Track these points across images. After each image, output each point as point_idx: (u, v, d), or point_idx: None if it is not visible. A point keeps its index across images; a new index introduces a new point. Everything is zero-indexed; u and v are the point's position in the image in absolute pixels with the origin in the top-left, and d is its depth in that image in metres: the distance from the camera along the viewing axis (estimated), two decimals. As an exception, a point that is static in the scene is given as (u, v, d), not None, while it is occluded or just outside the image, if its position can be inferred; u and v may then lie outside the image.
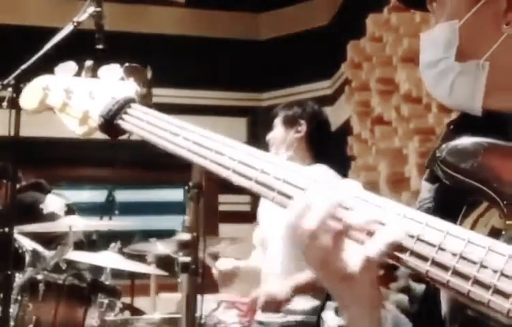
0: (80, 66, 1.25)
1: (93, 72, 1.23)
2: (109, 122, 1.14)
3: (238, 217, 5.42)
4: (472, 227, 0.90)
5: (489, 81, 0.98)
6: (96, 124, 1.16)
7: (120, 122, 1.13)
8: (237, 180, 0.96)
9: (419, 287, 1.06)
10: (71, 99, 1.20)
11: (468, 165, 0.88)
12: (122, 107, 1.13)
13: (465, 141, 0.91)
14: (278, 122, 3.21)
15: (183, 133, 1.05)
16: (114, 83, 1.20)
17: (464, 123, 1.00)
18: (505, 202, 0.85)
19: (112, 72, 1.21)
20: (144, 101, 1.18)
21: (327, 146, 3.25)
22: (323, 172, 2.83)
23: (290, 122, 3.17)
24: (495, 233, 0.86)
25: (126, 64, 1.21)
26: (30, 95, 1.25)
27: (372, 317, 0.84)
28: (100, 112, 1.15)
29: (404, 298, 1.08)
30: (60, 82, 1.23)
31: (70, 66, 1.25)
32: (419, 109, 3.77)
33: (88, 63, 1.24)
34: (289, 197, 0.87)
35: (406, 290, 1.08)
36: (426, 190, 1.05)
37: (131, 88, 1.18)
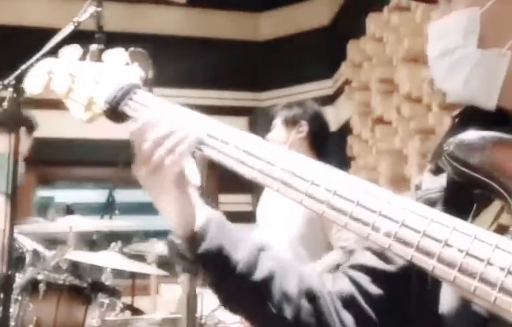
0: (85, 50, 1.23)
1: (98, 56, 1.21)
2: (114, 109, 1.13)
3: (239, 217, 5.40)
4: (480, 223, 0.90)
5: (508, 74, 0.94)
6: (101, 110, 1.15)
7: (125, 108, 1.12)
8: (239, 169, 0.98)
9: (400, 261, 1.01)
10: (76, 84, 1.19)
11: (476, 160, 0.87)
12: (127, 93, 1.12)
13: (473, 135, 0.89)
14: (278, 122, 3.20)
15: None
16: (118, 68, 1.18)
17: (470, 115, 0.97)
18: None
19: (117, 57, 1.20)
20: (148, 87, 1.17)
21: (327, 146, 3.26)
22: None
23: (291, 123, 3.17)
24: (502, 229, 0.85)
25: (132, 48, 1.20)
26: (35, 79, 1.23)
27: (177, 206, 1.01)
28: (105, 98, 1.14)
29: (372, 259, 1.06)
30: (65, 66, 1.21)
31: (75, 49, 1.23)
32: (419, 109, 3.77)
33: (93, 46, 1.23)
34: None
35: (379, 254, 1.05)
36: (430, 181, 1.04)
37: (136, 73, 1.17)
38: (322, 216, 0.89)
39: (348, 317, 1.04)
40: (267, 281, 1.01)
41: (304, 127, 3.16)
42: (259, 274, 1.00)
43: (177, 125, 1.00)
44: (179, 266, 1.05)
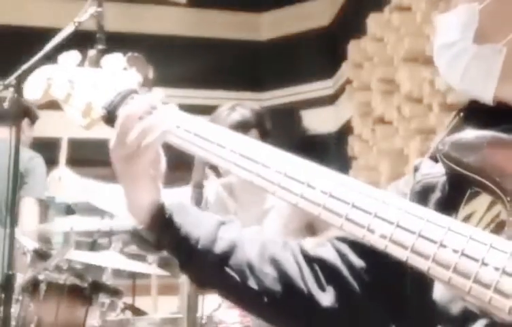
0: (83, 56, 1.24)
1: (96, 62, 1.22)
2: (112, 114, 1.13)
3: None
4: (475, 213, 0.90)
5: (505, 69, 0.95)
6: (99, 115, 1.16)
7: None
8: (236, 172, 0.99)
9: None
10: (74, 90, 1.20)
11: (471, 159, 0.88)
12: (125, 98, 1.13)
13: (468, 134, 0.90)
14: (225, 126, 3.01)
15: (184, 125, 1.05)
16: (116, 73, 1.19)
17: (474, 112, 0.98)
18: (508, 199, 0.84)
19: (115, 62, 1.20)
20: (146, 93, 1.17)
21: None
22: None
23: (241, 130, 3.03)
24: (499, 225, 0.86)
25: (129, 53, 1.21)
26: (34, 85, 1.24)
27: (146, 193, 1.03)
28: (103, 103, 1.14)
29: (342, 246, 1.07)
30: (64, 72, 1.22)
31: (73, 55, 1.24)
32: (420, 109, 3.78)
33: (92, 52, 1.24)
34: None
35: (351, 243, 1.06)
36: (428, 166, 1.04)
37: (133, 78, 1.18)
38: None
39: (329, 287, 1.05)
40: (228, 253, 1.03)
41: (255, 134, 3.03)
42: (219, 248, 1.03)
43: (152, 113, 1.03)
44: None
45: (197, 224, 1.04)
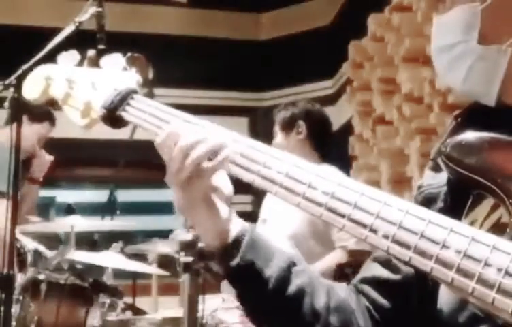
0: (83, 55, 1.23)
1: (96, 62, 1.21)
2: (112, 114, 1.13)
3: (239, 217, 5.41)
4: (477, 221, 0.90)
5: (509, 70, 0.95)
6: (98, 115, 1.15)
7: (122, 113, 1.12)
8: (236, 172, 0.98)
9: (406, 269, 1.03)
10: (74, 90, 1.19)
11: (473, 161, 0.87)
12: (125, 98, 1.12)
13: (470, 136, 0.89)
14: (277, 129, 3.13)
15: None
16: (116, 73, 1.18)
17: (472, 116, 0.98)
18: (511, 200, 0.84)
19: (115, 62, 1.20)
20: (146, 93, 1.16)
21: (330, 144, 3.19)
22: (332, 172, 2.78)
23: (288, 125, 3.09)
24: (500, 228, 0.86)
25: (129, 54, 1.20)
26: (33, 84, 1.23)
27: (208, 219, 0.99)
28: (102, 103, 1.13)
29: (380, 270, 1.07)
30: (63, 71, 1.22)
31: (72, 55, 1.23)
32: (420, 109, 3.77)
33: (91, 52, 1.23)
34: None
35: (386, 264, 1.07)
36: (430, 177, 1.04)
37: (133, 78, 1.17)
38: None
39: None
40: (298, 298, 1.00)
41: (302, 126, 3.08)
42: (290, 291, 1.00)
43: (204, 136, 0.97)
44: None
45: (269, 260, 0.99)
